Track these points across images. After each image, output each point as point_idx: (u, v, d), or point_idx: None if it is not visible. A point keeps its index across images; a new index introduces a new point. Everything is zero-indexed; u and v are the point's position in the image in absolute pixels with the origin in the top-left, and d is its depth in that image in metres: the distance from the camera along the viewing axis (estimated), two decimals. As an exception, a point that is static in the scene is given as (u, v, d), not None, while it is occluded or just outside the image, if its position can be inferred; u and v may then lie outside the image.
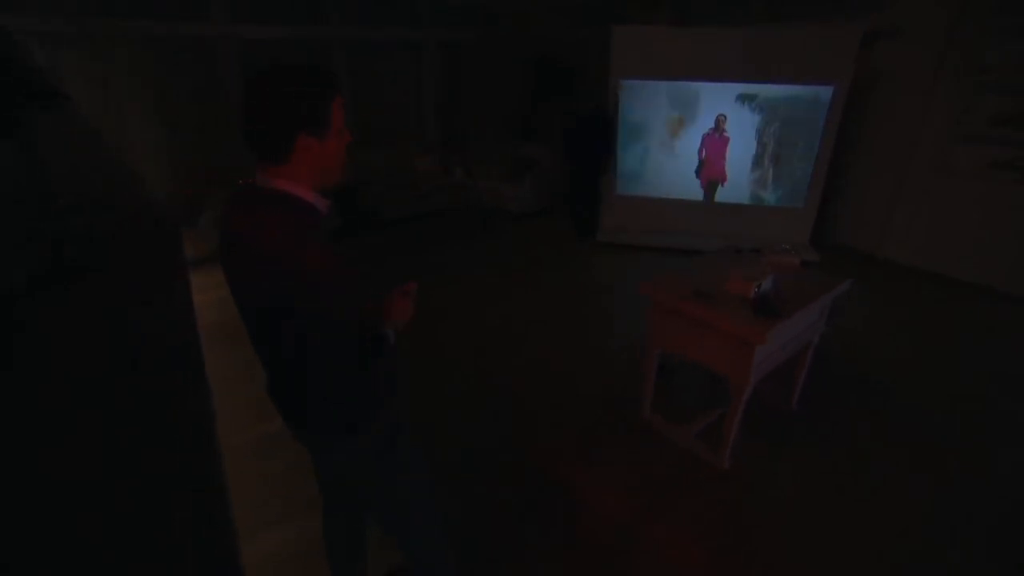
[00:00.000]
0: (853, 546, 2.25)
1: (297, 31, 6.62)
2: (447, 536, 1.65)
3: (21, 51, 5.08)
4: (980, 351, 3.79)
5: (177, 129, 6.20)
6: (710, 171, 5.86)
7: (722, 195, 5.93)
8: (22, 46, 5.01)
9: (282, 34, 6.53)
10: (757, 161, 5.68)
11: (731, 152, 5.72)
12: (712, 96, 5.53)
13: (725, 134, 5.65)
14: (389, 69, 7.71)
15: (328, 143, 1.17)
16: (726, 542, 2.27)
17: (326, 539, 1.82)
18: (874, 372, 3.51)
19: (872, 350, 3.78)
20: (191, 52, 6.05)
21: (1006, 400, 3.22)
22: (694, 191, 6.00)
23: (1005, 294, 4.60)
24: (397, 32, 7.51)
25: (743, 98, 5.45)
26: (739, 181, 5.83)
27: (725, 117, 5.57)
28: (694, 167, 5.89)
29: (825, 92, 5.16)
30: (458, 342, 3.94)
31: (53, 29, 5.13)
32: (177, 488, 2.48)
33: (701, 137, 5.74)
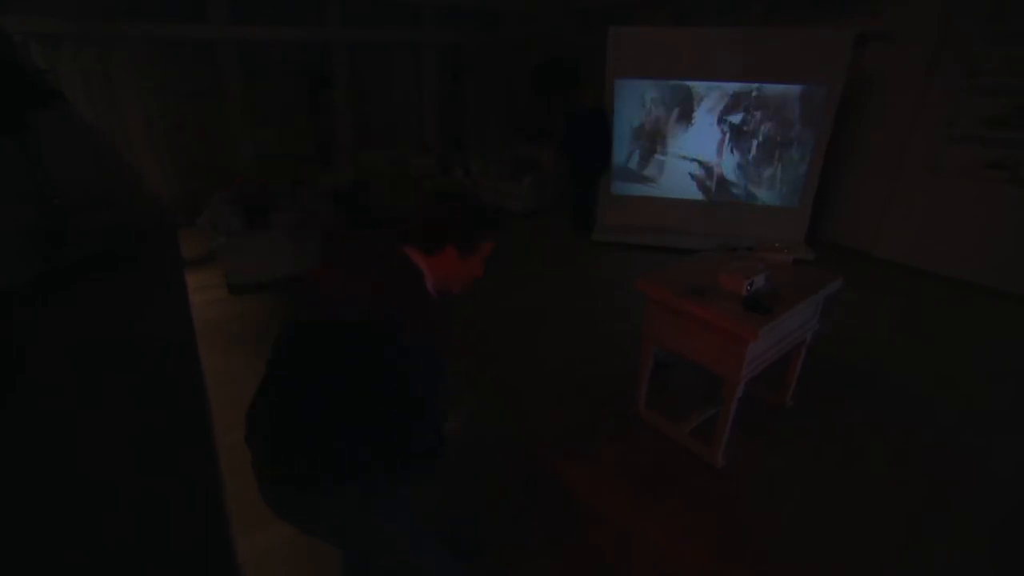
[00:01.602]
0: (849, 542, 2.27)
1: (297, 32, 6.65)
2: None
3: (20, 52, 5.12)
4: (974, 348, 3.81)
5: (177, 129, 6.22)
6: (705, 170, 5.89)
7: (718, 194, 5.96)
8: (20, 47, 5.05)
9: (281, 35, 6.55)
10: (752, 161, 5.71)
11: (726, 152, 5.75)
12: (707, 95, 5.56)
13: (722, 133, 5.68)
14: (389, 70, 7.74)
15: (466, 264, 1.42)
16: (721, 538, 2.29)
17: None
18: (868, 369, 3.53)
19: (866, 347, 3.81)
20: (191, 53, 6.08)
21: (1001, 396, 3.25)
22: (690, 190, 6.03)
23: (997, 291, 4.63)
24: (397, 33, 7.54)
25: (738, 97, 5.48)
26: (734, 180, 5.86)
27: (721, 116, 5.60)
28: (690, 166, 5.92)
29: (819, 92, 5.19)
30: (462, 335, 3.97)
31: (52, 30, 5.16)
32: (173, 486, 2.52)
33: (697, 136, 5.76)
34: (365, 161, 7.29)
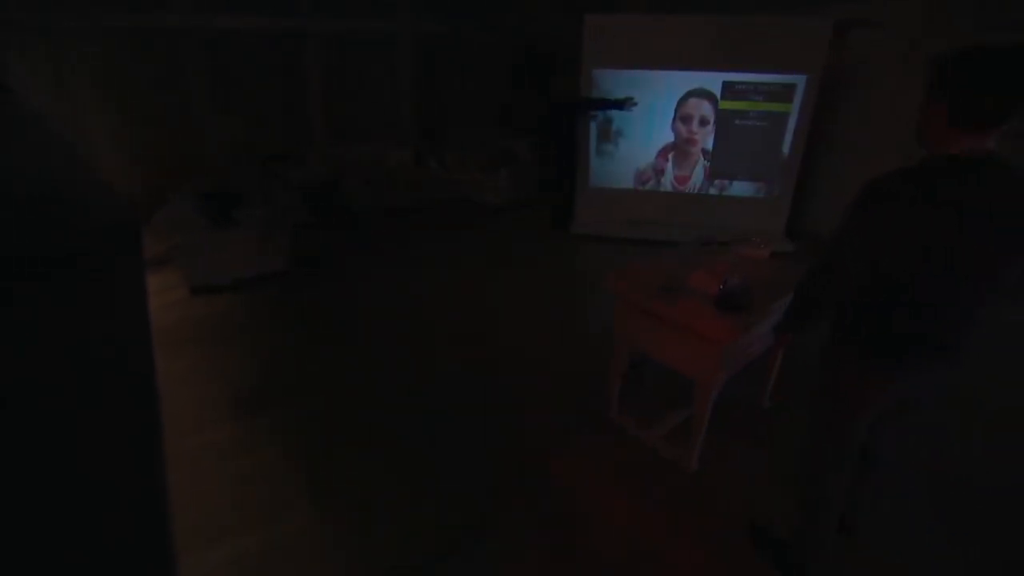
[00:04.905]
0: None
1: (265, 21, 6.41)
2: None
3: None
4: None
5: (139, 122, 5.98)
6: (684, 147, 5.78)
7: (697, 186, 5.85)
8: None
9: (249, 24, 6.32)
10: (732, 151, 5.60)
11: (705, 142, 5.64)
12: (685, 84, 5.43)
13: (699, 116, 5.56)
14: (363, 60, 7.52)
15: None
16: (698, 543, 2.19)
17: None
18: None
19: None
20: (152, 42, 5.83)
21: (983, 389, 3.17)
22: (667, 182, 5.91)
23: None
24: (371, 23, 7.32)
25: (715, 86, 5.36)
26: (715, 171, 5.75)
27: (698, 101, 5.49)
28: (669, 148, 5.80)
29: (799, 81, 5.10)
30: (433, 335, 3.85)
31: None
32: (112, 499, 2.32)
33: (676, 119, 5.65)
34: (339, 154, 7.08)
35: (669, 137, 5.73)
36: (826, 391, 1.75)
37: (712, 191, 5.83)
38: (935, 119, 1.42)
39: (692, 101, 5.53)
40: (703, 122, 5.61)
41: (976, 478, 2.57)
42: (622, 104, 5.56)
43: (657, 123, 5.68)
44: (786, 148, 5.41)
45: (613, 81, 5.57)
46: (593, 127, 5.80)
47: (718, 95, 5.41)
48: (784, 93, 5.21)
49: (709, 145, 5.69)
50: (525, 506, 2.39)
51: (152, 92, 5.99)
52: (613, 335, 2.70)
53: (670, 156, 5.84)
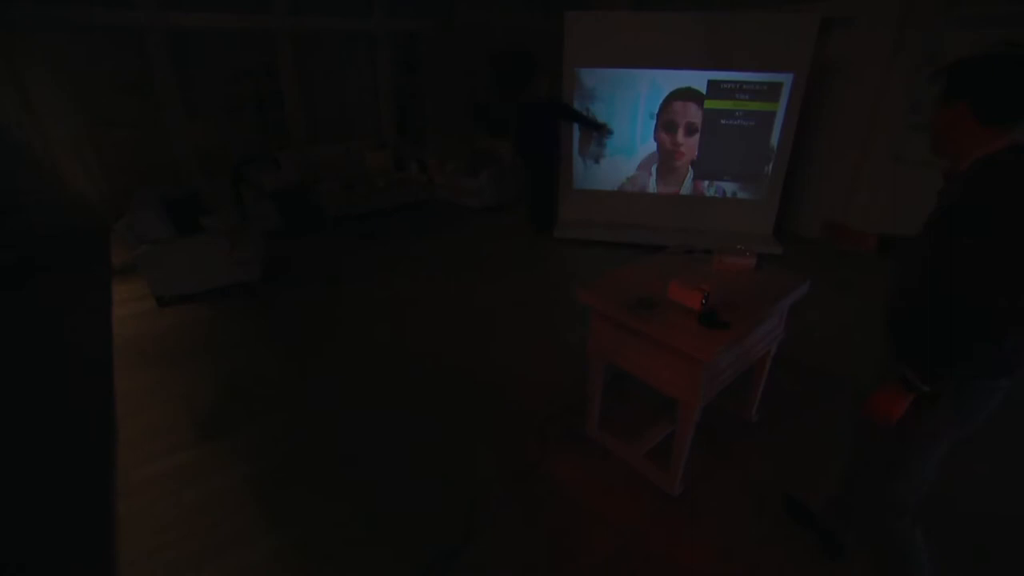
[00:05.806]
0: (819, 563, 2.05)
1: (236, 20, 6.20)
2: None
3: None
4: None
5: (106, 125, 5.76)
6: (669, 160, 5.64)
7: (683, 187, 5.72)
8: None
9: (218, 23, 6.11)
10: (717, 152, 5.47)
11: (691, 142, 5.50)
12: (669, 84, 5.29)
13: (685, 123, 5.42)
14: (340, 61, 7.34)
15: None
16: (696, 540, 2.05)
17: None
18: (842, 374, 3.32)
19: (838, 350, 3.60)
20: (118, 41, 5.61)
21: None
22: (652, 184, 5.77)
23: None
24: (348, 22, 7.13)
25: (700, 85, 5.23)
26: (701, 173, 5.62)
27: (684, 105, 5.35)
28: (653, 159, 5.66)
29: (785, 79, 4.98)
30: (413, 343, 3.71)
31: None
32: (52, 537, 2.12)
33: (659, 127, 5.50)
34: (315, 157, 6.89)
35: (653, 147, 5.60)
36: (907, 425, 1.63)
37: (713, 193, 5.70)
38: (956, 122, 1.40)
39: (676, 105, 5.37)
40: (690, 130, 5.42)
41: (976, 477, 2.47)
42: (599, 127, 5.51)
43: (640, 129, 5.53)
44: (774, 148, 5.29)
45: (596, 79, 5.42)
46: (576, 128, 5.65)
47: (704, 95, 5.27)
48: (771, 92, 5.08)
49: (697, 156, 5.53)
50: (524, 506, 2.35)
51: (118, 94, 5.78)
52: (587, 351, 2.55)
53: (653, 169, 5.69)
